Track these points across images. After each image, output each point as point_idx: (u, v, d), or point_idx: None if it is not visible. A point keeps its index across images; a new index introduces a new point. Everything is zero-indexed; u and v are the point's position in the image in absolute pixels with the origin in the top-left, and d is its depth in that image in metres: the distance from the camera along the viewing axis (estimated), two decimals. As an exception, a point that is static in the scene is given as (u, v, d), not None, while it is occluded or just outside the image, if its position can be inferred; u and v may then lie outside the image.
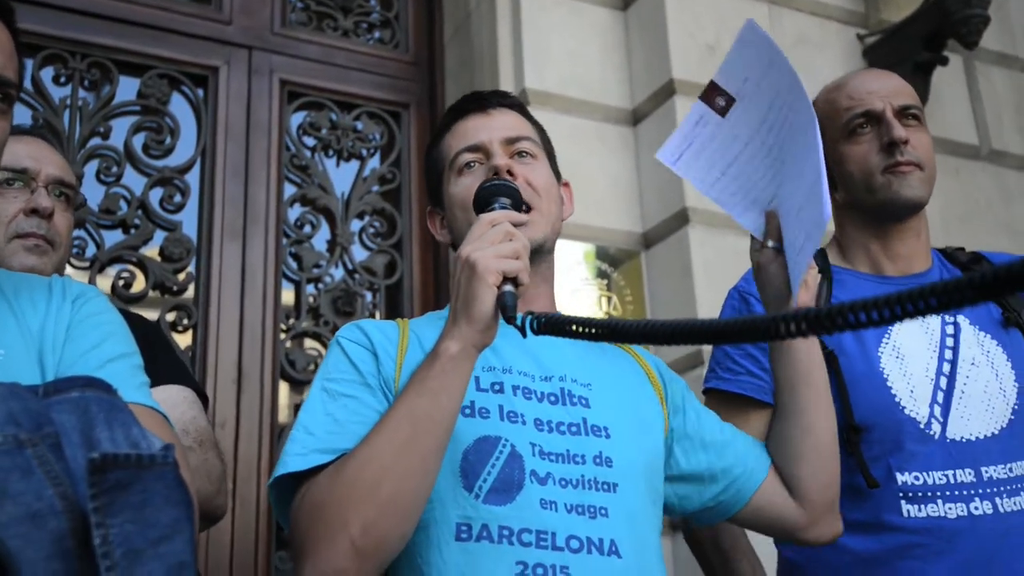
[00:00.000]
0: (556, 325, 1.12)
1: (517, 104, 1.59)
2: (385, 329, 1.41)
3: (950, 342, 1.65)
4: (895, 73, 1.86)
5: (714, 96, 1.42)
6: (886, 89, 1.73)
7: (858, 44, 3.56)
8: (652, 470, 1.39)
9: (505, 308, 1.17)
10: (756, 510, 1.46)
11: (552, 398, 1.35)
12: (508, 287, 1.19)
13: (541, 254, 1.45)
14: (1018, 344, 1.68)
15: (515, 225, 1.26)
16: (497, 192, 1.34)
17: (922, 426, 1.59)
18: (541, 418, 1.32)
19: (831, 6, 3.56)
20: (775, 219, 1.43)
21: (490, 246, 1.20)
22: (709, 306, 2.87)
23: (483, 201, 1.34)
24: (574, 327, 1.08)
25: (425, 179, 1.63)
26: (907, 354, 1.63)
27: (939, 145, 2.18)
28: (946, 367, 1.63)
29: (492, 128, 1.49)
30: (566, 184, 1.61)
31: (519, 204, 1.36)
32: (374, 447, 1.18)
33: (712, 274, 2.92)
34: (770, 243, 1.44)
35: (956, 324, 1.68)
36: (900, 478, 1.57)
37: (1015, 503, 1.54)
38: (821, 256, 1.76)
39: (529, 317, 1.17)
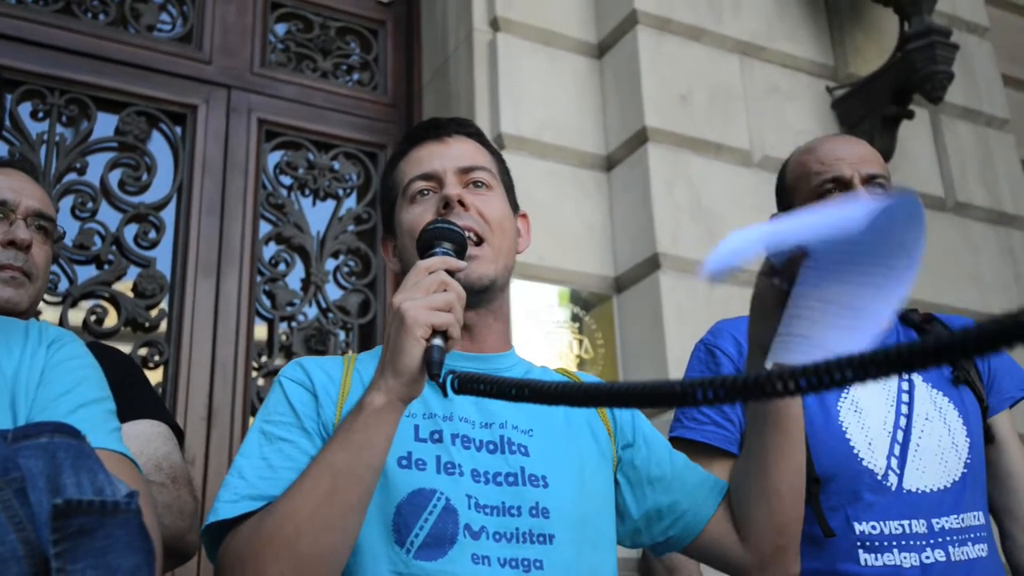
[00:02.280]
0: (473, 384, 1.10)
1: (475, 132, 1.55)
2: (328, 368, 1.38)
3: (905, 397, 1.71)
4: (863, 140, 1.91)
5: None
6: (855, 156, 1.78)
7: (827, 96, 3.64)
8: (597, 515, 1.37)
9: (431, 364, 1.13)
10: (703, 547, 1.44)
11: (491, 447, 1.32)
12: (437, 341, 1.15)
13: (492, 291, 1.41)
14: (968, 401, 1.74)
15: (454, 273, 1.22)
16: (440, 236, 1.29)
17: (879, 477, 1.63)
18: (479, 469, 1.30)
19: (801, 59, 3.64)
20: (800, 260, 1.23)
21: (423, 296, 1.17)
22: (679, 350, 2.90)
23: (425, 244, 1.30)
24: (490, 387, 1.06)
25: (379, 206, 1.59)
26: (865, 408, 1.68)
27: (904, 197, 2.26)
28: (902, 421, 1.68)
29: (447, 157, 1.45)
30: (523, 215, 1.57)
31: (463, 249, 1.31)
32: (294, 501, 1.16)
33: (683, 319, 2.95)
34: (778, 281, 1.27)
35: (911, 381, 1.73)
36: (858, 527, 1.60)
37: (964, 552, 1.58)
38: None
39: (450, 376, 1.14)
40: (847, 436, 1.65)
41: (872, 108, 3.50)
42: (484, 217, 1.41)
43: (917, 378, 1.73)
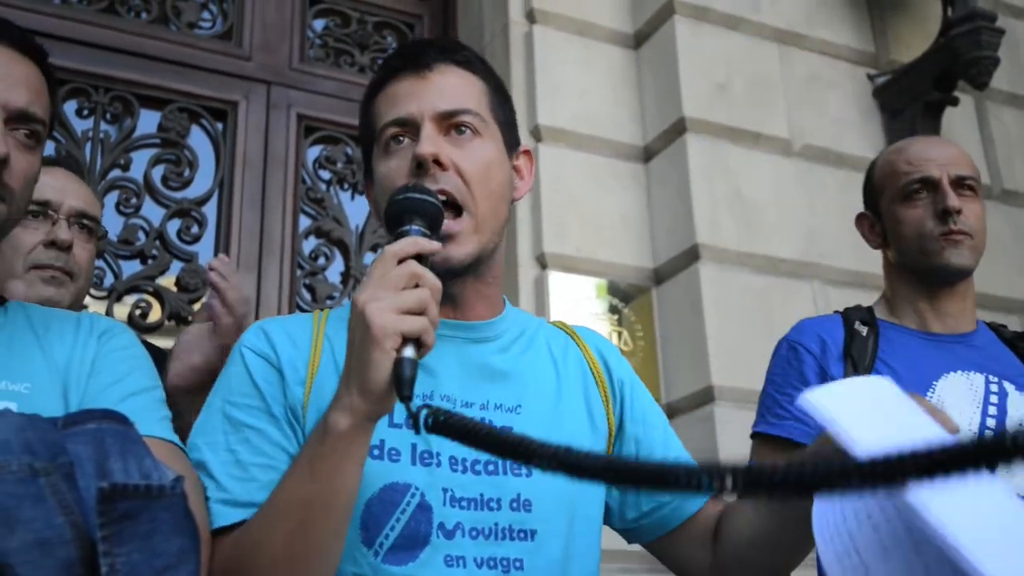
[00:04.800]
0: (451, 429, 0.92)
1: (463, 59, 1.31)
2: (295, 335, 1.24)
3: (994, 399, 1.67)
4: (953, 142, 1.90)
5: None
6: (944, 157, 1.79)
7: (868, 84, 3.59)
8: (585, 498, 1.26)
9: (400, 382, 0.97)
10: (670, 544, 1.34)
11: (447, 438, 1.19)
12: (408, 352, 0.98)
13: (478, 264, 1.24)
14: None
15: (428, 258, 1.07)
16: (409, 209, 1.10)
17: None
18: (457, 455, 1.17)
19: (841, 46, 3.59)
20: None
21: (391, 294, 1.00)
22: (718, 342, 2.88)
23: (394, 218, 1.11)
24: (468, 434, 0.90)
25: (359, 139, 1.40)
26: (949, 406, 1.64)
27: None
28: (990, 422, 1.64)
29: (425, 96, 1.24)
30: (526, 151, 1.39)
31: (438, 221, 1.13)
32: (264, 532, 1.06)
33: (722, 310, 2.94)
34: None
35: (1001, 386, 1.70)
36: None
37: None
38: (868, 311, 1.81)
39: (424, 412, 0.94)
40: None
41: (915, 95, 3.45)
42: (464, 176, 1.22)
43: (1010, 386, 1.70)
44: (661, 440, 1.36)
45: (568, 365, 1.35)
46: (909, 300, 1.80)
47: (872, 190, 1.88)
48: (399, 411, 1.11)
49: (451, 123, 1.24)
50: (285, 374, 1.19)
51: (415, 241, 1.06)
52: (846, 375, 1.66)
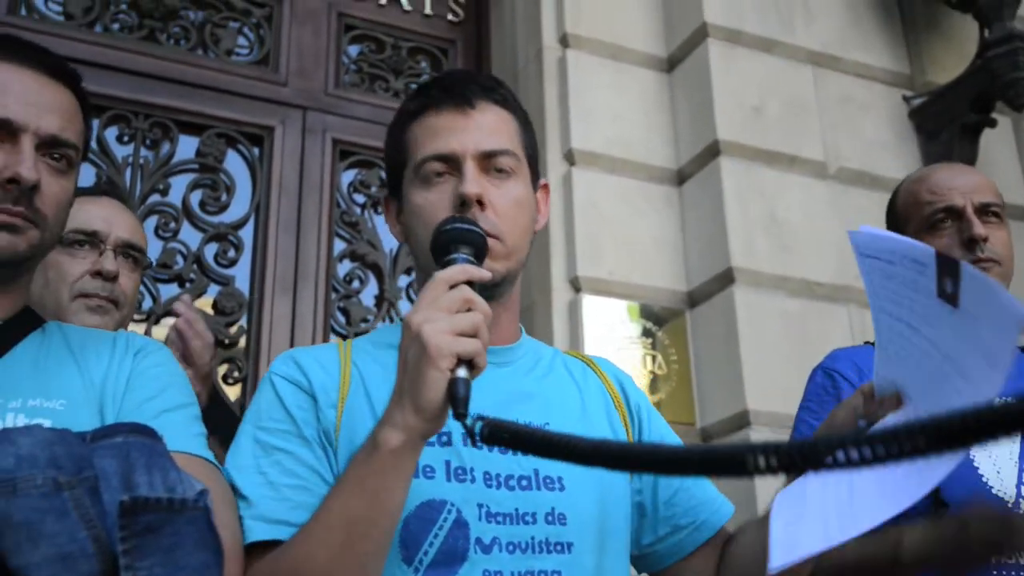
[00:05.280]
0: (504, 435, 0.97)
1: (502, 97, 1.36)
2: (324, 362, 1.27)
3: None
4: (976, 169, 1.89)
5: None
6: (968, 186, 1.77)
7: (904, 106, 3.56)
8: (615, 515, 1.28)
9: (456, 400, 1.00)
10: (683, 571, 1.34)
11: (502, 447, 1.20)
12: (462, 372, 1.01)
13: (502, 285, 1.30)
14: None
15: (475, 286, 1.09)
16: (459, 239, 1.15)
17: (1010, 505, 1.58)
18: (491, 471, 1.20)
19: (876, 68, 3.57)
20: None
21: (445, 317, 1.03)
22: (753, 366, 2.86)
23: (442, 247, 1.16)
24: (524, 441, 0.95)
25: (385, 161, 1.43)
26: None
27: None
28: None
29: (468, 135, 1.28)
30: (544, 185, 1.43)
31: (483, 253, 1.18)
32: (307, 547, 1.07)
33: (757, 334, 2.91)
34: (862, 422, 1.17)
35: None
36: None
37: None
38: None
39: (479, 424, 0.98)
40: (975, 464, 1.60)
41: (952, 117, 3.42)
42: (499, 214, 1.27)
43: None
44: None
45: (589, 389, 1.38)
46: None
47: (896, 220, 1.87)
48: None
49: (492, 163, 1.29)
50: (318, 398, 1.22)
51: (465, 268, 1.10)
52: None
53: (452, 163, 1.28)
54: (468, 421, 0.99)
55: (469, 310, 1.05)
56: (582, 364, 1.44)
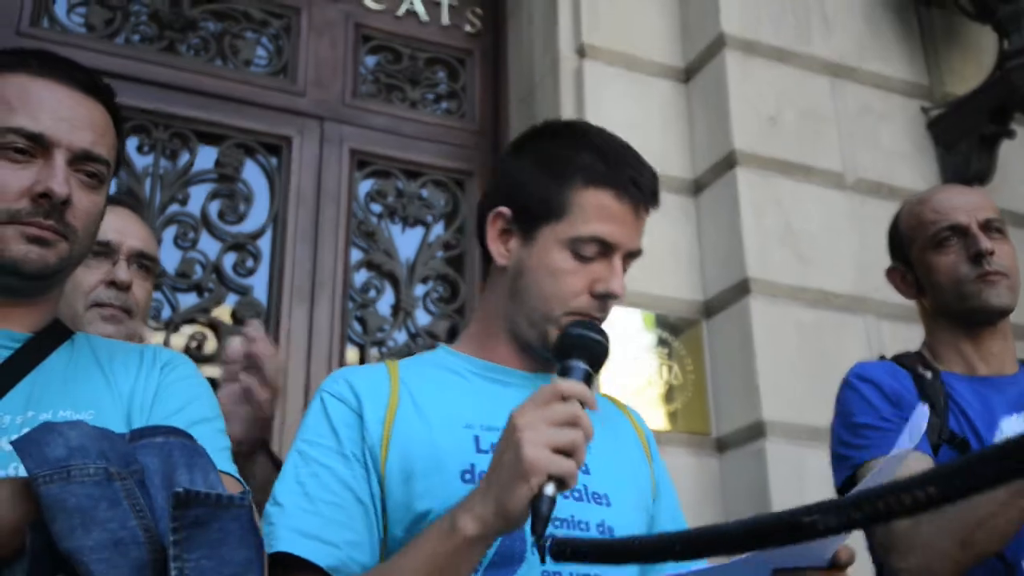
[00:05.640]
0: (572, 552, 0.96)
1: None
2: (375, 381, 1.30)
3: None
4: (975, 188, 1.94)
5: None
6: (969, 204, 1.82)
7: (922, 116, 3.55)
8: (652, 530, 1.36)
9: (536, 518, 1.01)
10: None
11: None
12: (549, 489, 1.02)
13: None
14: None
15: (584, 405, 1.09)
16: (580, 346, 1.16)
17: None
18: None
19: (894, 79, 3.57)
20: None
21: (547, 429, 1.03)
22: (769, 376, 2.85)
23: (563, 350, 1.18)
24: (595, 555, 0.96)
25: (527, 193, 1.38)
26: None
27: (1007, 217, 2.18)
28: None
29: (630, 238, 1.39)
30: None
31: (602, 362, 1.19)
32: None
33: (774, 344, 2.91)
34: None
35: None
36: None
37: None
38: (918, 356, 1.83)
39: (552, 544, 0.98)
40: None
41: (970, 128, 3.40)
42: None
43: None
44: (672, 513, 1.46)
45: (617, 424, 1.47)
46: (952, 345, 1.82)
47: (900, 242, 1.91)
48: (483, 439, 1.24)
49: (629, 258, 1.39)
50: (365, 415, 1.25)
51: (585, 390, 1.09)
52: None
53: (609, 249, 1.34)
54: (546, 542, 0.99)
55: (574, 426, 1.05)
56: (613, 406, 1.51)
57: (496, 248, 1.37)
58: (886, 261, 1.98)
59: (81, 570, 0.79)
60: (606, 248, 1.32)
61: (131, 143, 3.10)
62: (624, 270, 1.36)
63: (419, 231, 3.41)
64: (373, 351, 3.19)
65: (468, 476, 1.21)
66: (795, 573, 1.13)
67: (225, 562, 0.85)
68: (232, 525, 0.87)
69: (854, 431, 1.70)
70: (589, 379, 1.15)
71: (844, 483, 1.69)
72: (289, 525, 1.17)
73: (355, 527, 1.20)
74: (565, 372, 1.14)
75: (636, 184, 1.36)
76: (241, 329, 1.63)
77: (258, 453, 1.58)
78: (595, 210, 1.33)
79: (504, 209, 1.37)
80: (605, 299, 1.32)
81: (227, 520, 0.87)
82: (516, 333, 1.35)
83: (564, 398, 1.06)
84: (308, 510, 1.18)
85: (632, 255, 1.37)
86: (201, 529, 0.84)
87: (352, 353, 3.18)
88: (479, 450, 1.24)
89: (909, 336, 2.26)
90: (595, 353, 1.17)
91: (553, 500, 1.02)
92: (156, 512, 0.86)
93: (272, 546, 1.16)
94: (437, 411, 1.28)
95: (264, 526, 1.19)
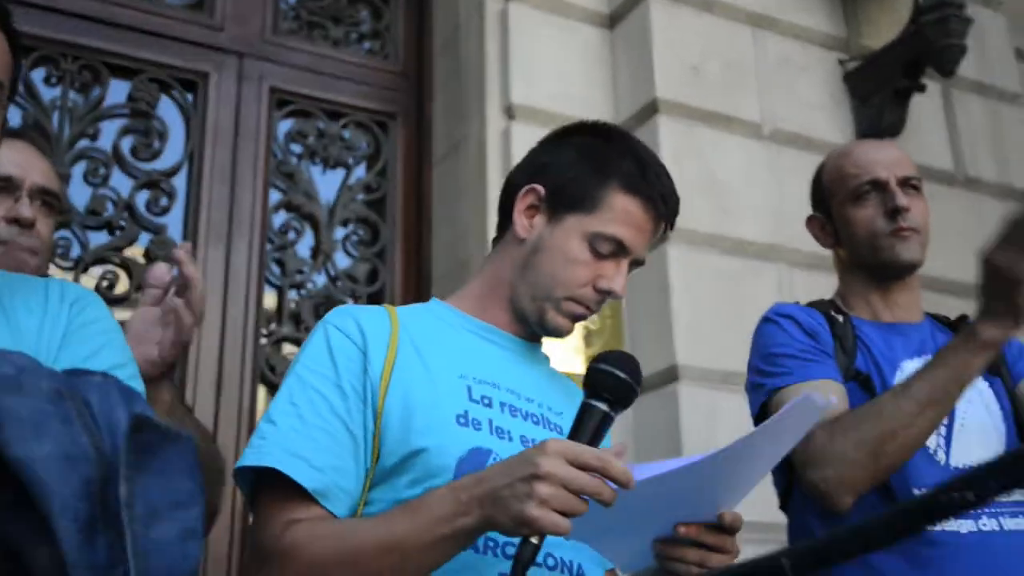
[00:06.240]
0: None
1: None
2: (378, 321, 1.35)
3: None
4: (894, 143, 1.98)
5: None
6: (889, 159, 1.88)
7: (839, 69, 3.62)
8: None
9: (518, 563, 1.05)
10: None
11: (534, 419, 1.35)
12: (536, 538, 1.05)
13: None
14: (999, 389, 1.82)
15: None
16: (611, 387, 1.14)
17: (930, 452, 1.69)
18: (527, 436, 1.32)
19: (814, 31, 3.62)
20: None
21: (565, 494, 1.03)
22: (685, 322, 2.91)
23: (592, 383, 1.16)
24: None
25: (568, 174, 1.44)
26: None
27: (914, 171, 2.26)
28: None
29: (642, 246, 1.45)
30: None
31: (626, 402, 1.16)
32: (355, 554, 1.13)
33: (690, 291, 2.97)
34: None
35: None
36: (916, 492, 1.64)
37: (1016, 523, 1.64)
38: (831, 303, 1.90)
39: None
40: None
41: (884, 81, 3.48)
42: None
43: None
44: None
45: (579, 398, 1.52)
46: (862, 295, 1.89)
47: (821, 193, 1.96)
48: (475, 389, 1.31)
49: (634, 265, 1.46)
50: (369, 352, 1.29)
51: (624, 472, 1.05)
52: (835, 355, 1.75)
53: (621, 249, 1.41)
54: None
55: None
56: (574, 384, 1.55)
57: (520, 220, 1.44)
58: (802, 211, 2.03)
59: (30, 478, 0.79)
60: (620, 250, 1.40)
61: (37, 74, 2.98)
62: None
63: (340, 173, 3.36)
64: (292, 293, 3.16)
65: (463, 420, 1.27)
66: (696, 528, 1.19)
67: (171, 489, 0.87)
68: (178, 457, 0.88)
69: (771, 360, 1.77)
70: (608, 421, 1.14)
71: (760, 410, 1.76)
72: (281, 443, 1.21)
73: (342, 455, 1.23)
74: (583, 412, 1.14)
75: (664, 201, 1.44)
76: (171, 251, 1.60)
77: (164, 378, 1.55)
78: (623, 213, 1.40)
79: (538, 187, 1.44)
80: (605, 295, 1.40)
81: (174, 452, 0.88)
82: (515, 302, 1.42)
83: (598, 466, 1.04)
84: (300, 432, 1.22)
85: (637, 263, 1.45)
86: (150, 456, 0.86)
87: (270, 296, 3.14)
88: (471, 399, 1.30)
89: (820, 285, 2.32)
90: (620, 394, 1.14)
91: (537, 548, 1.05)
92: (103, 436, 0.87)
93: (261, 460, 1.20)
94: (434, 357, 1.33)
95: (255, 439, 1.22)
